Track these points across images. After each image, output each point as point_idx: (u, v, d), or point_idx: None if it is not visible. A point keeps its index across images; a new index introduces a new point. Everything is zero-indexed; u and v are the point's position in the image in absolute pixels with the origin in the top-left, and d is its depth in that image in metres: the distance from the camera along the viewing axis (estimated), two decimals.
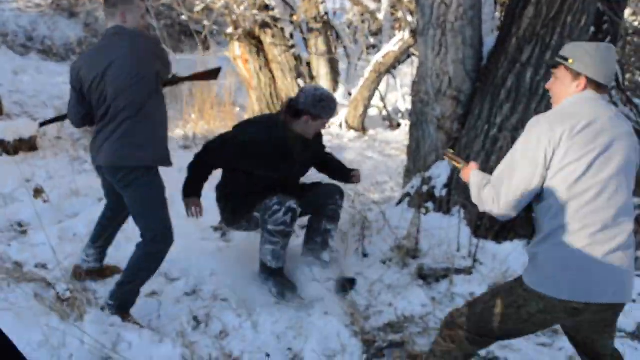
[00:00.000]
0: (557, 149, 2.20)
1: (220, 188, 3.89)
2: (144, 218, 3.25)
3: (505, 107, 4.26)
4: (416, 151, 4.80)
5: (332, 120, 7.69)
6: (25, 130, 7.01)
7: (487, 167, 4.24)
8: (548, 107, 4.18)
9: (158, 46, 3.26)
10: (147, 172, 3.21)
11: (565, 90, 2.38)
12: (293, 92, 8.02)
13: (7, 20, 12.98)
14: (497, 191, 2.31)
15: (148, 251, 3.26)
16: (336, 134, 7.68)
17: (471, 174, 2.51)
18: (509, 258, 3.93)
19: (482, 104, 4.36)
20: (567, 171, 2.19)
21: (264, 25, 7.85)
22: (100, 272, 3.79)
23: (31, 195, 5.16)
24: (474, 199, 2.44)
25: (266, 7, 7.92)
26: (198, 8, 8.79)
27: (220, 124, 7.34)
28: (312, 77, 8.15)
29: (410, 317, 3.46)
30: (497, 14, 5.13)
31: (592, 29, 4.62)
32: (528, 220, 4.17)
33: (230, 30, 8.05)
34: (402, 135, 7.92)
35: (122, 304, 3.28)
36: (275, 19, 7.85)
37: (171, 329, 3.30)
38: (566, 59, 2.37)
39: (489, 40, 4.57)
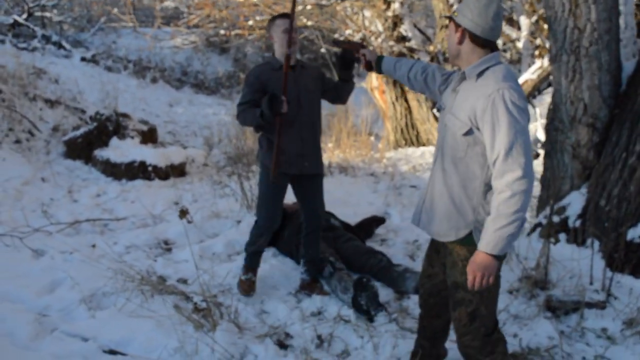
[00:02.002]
0: None
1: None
2: None
3: None
4: (550, 180, 4.67)
5: None
6: (176, 156, 7.68)
7: (625, 197, 4.05)
8: None
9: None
10: (261, 168, 3.90)
11: (452, 40, 2.52)
12: (428, 122, 8.07)
13: (165, 57, 14.23)
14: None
15: None
16: None
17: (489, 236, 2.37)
18: None
19: (620, 131, 4.18)
20: None
21: (401, 56, 7.99)
22: (309, 286, 4.21)
23: (177, 215, 5.65)
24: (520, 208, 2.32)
25: (403, 39, 8.06)
26: None
27: (355, 153, 7.54)
28: None
29: (535, 349, 3.35)
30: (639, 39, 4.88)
31: None
32: None
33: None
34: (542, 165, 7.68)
35: (245, 262, 4.10)
36: (411, 50, 7.97)
37: (296, 345, 3.46)
38: (455, 12, 2.51)
39: (628, 65, 4.38)
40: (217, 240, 4.97)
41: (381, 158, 7.44)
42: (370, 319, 3.74)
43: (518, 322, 3.61)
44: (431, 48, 8.08)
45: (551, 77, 7.46)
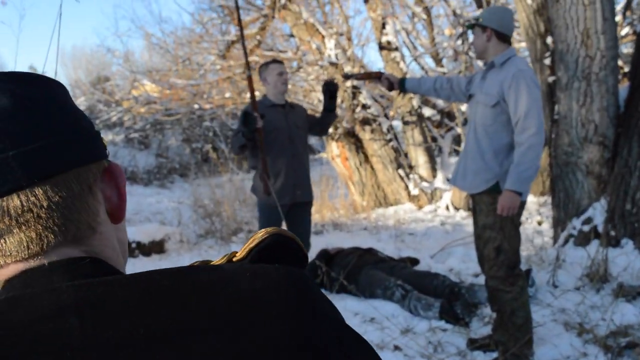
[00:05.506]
0: None
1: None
2: None
3: None
4: (566, 200, 5.14)
5: (439, 204, 8.09)
6: (156, 233, 7.55)
7: None
8: None
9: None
10: (259, 204, 4.42)
11: (480, 40, 3.27)
12: (395, 182, 8.50)
13: None
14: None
15: None
16: (446, 216, 8.00)
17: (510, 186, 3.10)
18: None
19: (630, 144, 4.75)
20: None
21: (364, 122, 8.47)
22: None
23: None
24: (536, 157, 3.05)
25: (364, 107, 8.58)
26: None
27: (340, 213, 7.78)
28: (411, 167, 8.65)
29: (629, 325, 3.66)
30: None
31: None
32: None
33: (330, 131, 8.67)
34: None
35: None
36: (374, 115, 8.49)
37: (411, 354, 3.55)
38: (477, 19, 3.28)
39: (622, 90, 5.03)
40: None
41: (368, 216, 7.73)
42: (466, 325, 3.90)
43: (599, 309, 3.92)
44: (392, 113, 8.65)
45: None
